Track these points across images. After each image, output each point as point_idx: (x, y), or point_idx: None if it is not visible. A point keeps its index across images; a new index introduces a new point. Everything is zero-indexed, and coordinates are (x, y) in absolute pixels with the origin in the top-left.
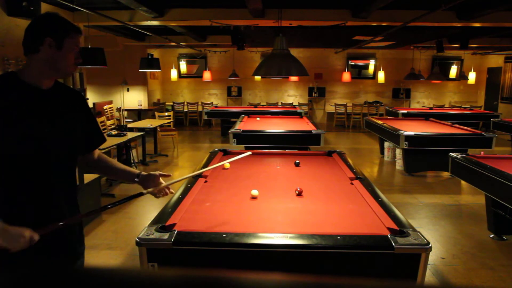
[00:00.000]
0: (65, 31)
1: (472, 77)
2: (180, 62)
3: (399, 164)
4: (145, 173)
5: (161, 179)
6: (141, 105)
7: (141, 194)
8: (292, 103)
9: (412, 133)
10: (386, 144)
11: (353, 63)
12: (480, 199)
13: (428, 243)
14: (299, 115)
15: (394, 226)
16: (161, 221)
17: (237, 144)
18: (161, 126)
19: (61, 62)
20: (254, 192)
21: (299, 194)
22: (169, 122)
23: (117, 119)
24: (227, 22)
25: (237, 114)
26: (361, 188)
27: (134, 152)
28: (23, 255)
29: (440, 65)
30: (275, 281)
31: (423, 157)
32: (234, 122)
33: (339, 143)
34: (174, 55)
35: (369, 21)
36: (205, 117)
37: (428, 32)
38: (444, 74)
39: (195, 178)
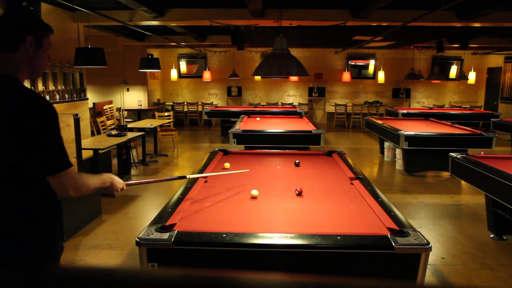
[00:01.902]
0: (44, 30)
1: (472, 77)
2: (180, 62)
3: (399, 164)
4: None
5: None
6: (141, 105)
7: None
8: (292, 103)
9: (412, 133)
10: (386, 144)
11: (353, 63)
12: (480, 199)
13: (428, 243)
14: (299, 115)
15: (394, 226)
16: (161, 221)
17: (237, 144)
18: (161, 126)
19: (40, 61)
20: (254, 192)
21: (299, 194)
22: (169, 122)
23: (117, 119)
24: (227, 22)
25: (237, 114)
26: (361, 188)
27: (134, 152)
28: None
29: (440, 65)
30: (275, 281)
31: (423, 157)
32: (234, 122)
33: (339, 143)
34: (174, 55)
35: (369, 21)
36: (205, 117)
37: (428, 32)
38: (444, 74)
39: (195, 178)
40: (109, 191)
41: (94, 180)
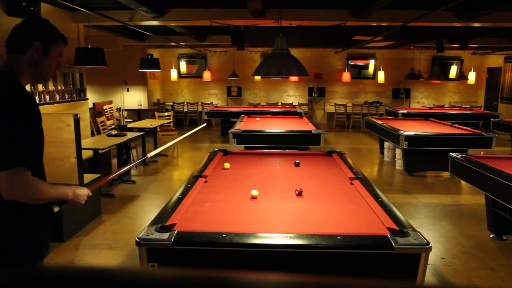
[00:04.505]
0: (53, 38)
1: (472, 77)
2: (180, 62)
3: (399, 164)
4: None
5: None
6: (141, 105)
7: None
8: (292, 103)
9: (412, 133)
10: (386, 144)
11: (353, 63)
12: (480, 199)
13: (428, 243)
14: (299, 115)
15: (394, 226)
16: (161, 221)
17: (237, 144)
18: (161, 126)
19: (45, 67)
20: (254, 192)
21: (299, 194)
22: (169, 122)
23: (117, 119)
24: (227, 22)
25: (237, 114)
26: (361, 188)
27: (134, 152)
28: None
29: (440, 65)
30: (275, 281)
31: (423, 157)
32: (234, 122)
33: (339, 143)
34: (174, 55)
35: (369, 21)
36: (205, 117)
37: (428, 32)
38: (444, 74)
39: (194, 178)
40: (72, 204)
41: (51, 190)
